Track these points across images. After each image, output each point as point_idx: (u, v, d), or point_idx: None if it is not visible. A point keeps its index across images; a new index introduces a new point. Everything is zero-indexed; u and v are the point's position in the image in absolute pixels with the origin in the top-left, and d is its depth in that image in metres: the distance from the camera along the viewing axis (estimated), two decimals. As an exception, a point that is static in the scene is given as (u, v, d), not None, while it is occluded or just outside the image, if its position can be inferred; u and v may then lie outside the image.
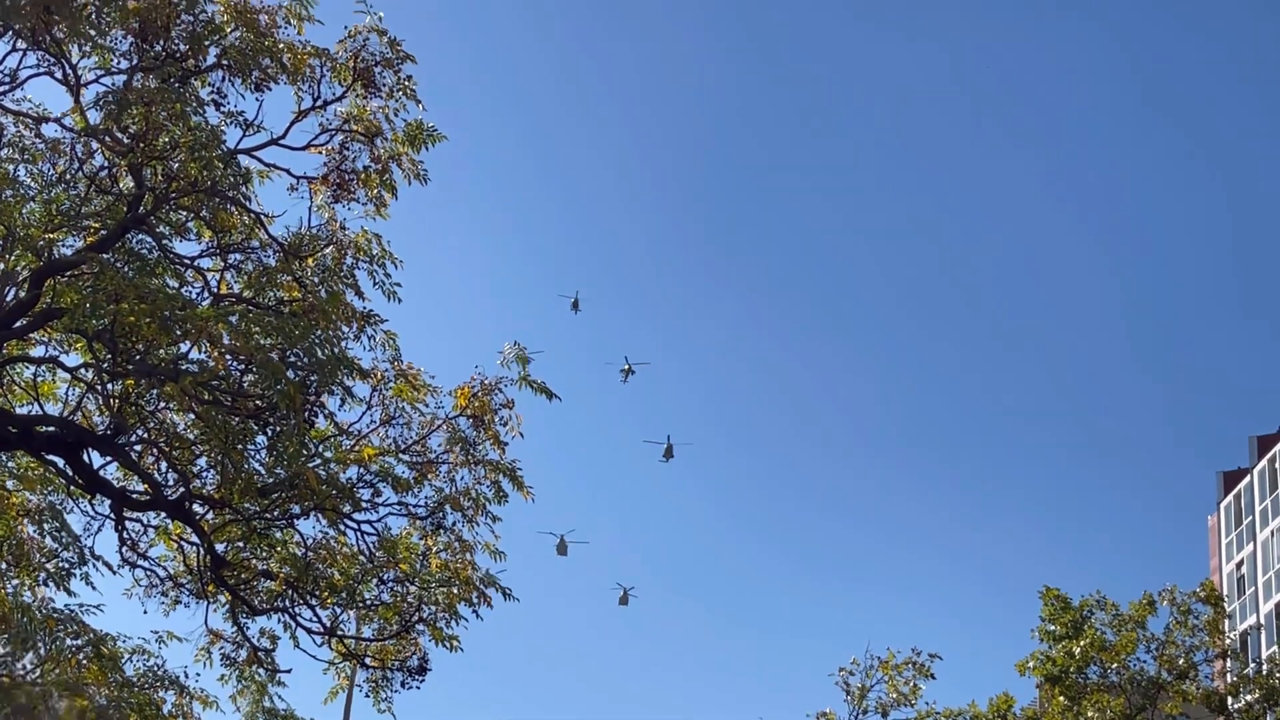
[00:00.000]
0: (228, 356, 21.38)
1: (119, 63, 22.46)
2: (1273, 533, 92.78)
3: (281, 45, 22.91)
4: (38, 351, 24.10)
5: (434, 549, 25.22)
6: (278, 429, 21.80)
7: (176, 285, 23.25)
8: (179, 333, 21.20)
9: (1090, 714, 52.57)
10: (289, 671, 25.31)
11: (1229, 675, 57.96)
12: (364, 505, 24.24)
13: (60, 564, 23.03)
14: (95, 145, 22.92)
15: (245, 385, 21.78)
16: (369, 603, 24.77)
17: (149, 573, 25.41)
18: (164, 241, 23.55)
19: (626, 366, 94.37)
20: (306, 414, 21.69)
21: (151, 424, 23.51)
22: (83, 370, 23.59)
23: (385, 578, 24.70)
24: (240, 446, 22.07)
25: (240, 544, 24.85)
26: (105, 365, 22.26)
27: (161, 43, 22.16)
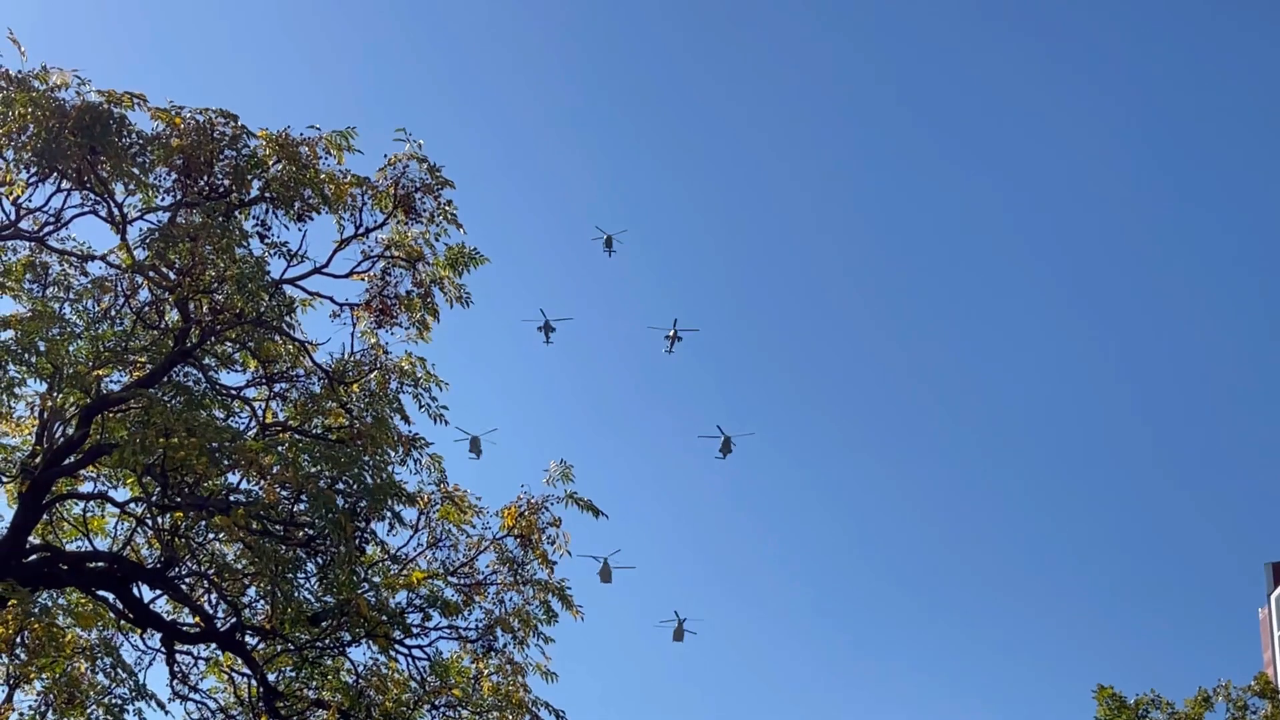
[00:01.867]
0: (277, 486, 21.42)
1: (163, 199, 22.75)
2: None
3: (323, 176, 23.19)
4: (86, 487, 24.21)
5: (485, 672, 25.06)
6: (328, 557, 21.80)
7: (223, 416, 23.37)
8: (227, 464, 21.29)
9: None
10: (344, 802, 24.99)
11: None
12: (414, 630, 24.18)
13: (113, 700, 22.91)
14: (141, 281, 23.15)
15: (295, 514, 21.80)
16: (422, 729, 24.55)
17: (200, 705, 25.28)
18: (210, 373, 23.70)
19: (672, 333, 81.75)
20: (357, 541, 21.69)
21: (201, 556, 23.54)
22: (132, 504, 23.65)
23: (438, 703, 24.52)
24: (290, 575, 22.06)
25: (292, 673, 24.75)
26: (155, 499, 22.31)
27: (205, 178, 22.43)
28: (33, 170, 21.94)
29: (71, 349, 22.41)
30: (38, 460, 22.46)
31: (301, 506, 21.84)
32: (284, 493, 21.73)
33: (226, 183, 22.68)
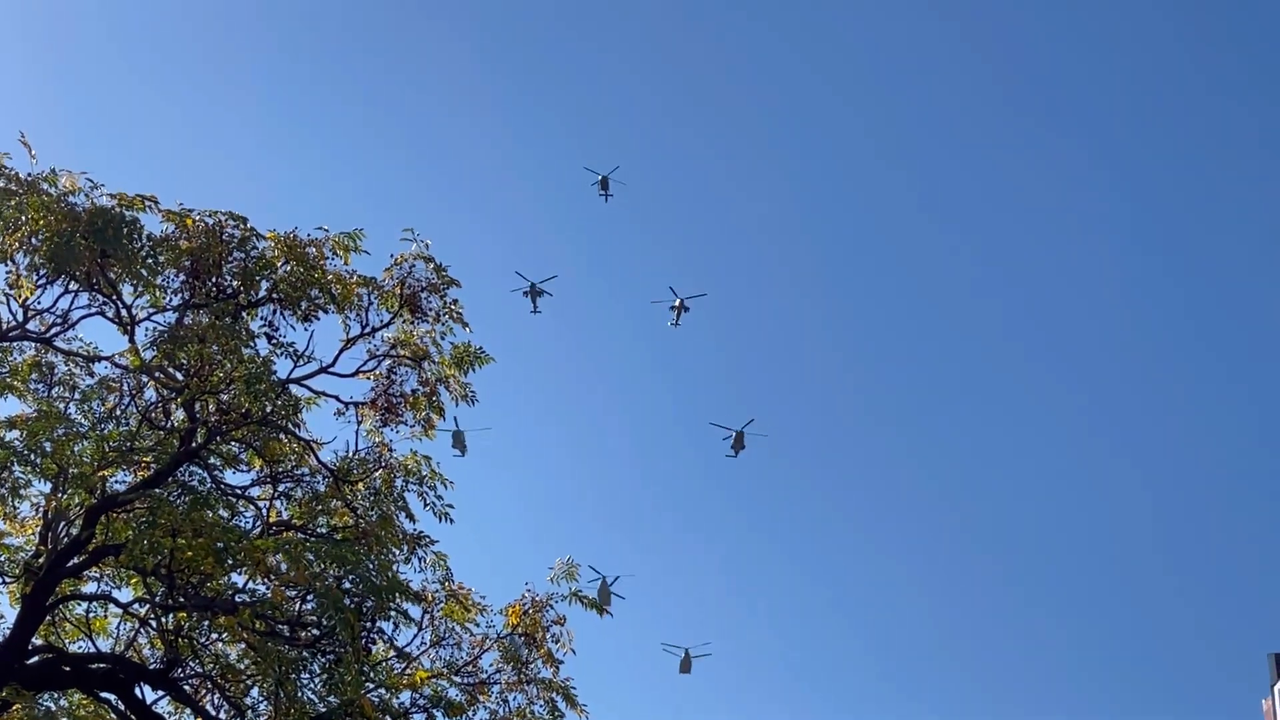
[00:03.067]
0: (283, 585, 21.36)
1: (171, 300, 22.87)
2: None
3: (330, 276, 23.34)
4: (90, 588, 24.09)
5: (490, 774, 24.80)
6: (334, 657, 21.68)
7: (228, 516, 23.32)
8: (231, 563, 21.23)
9: None
10: None
11: None
12: (418, 732, 23.95)
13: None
14: (147, 381, 23.19)
15: (301, 614, 21.71)
16: (426, 833, 24.23)
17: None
18: (215, 473, 23.70)
19: (678, 303, 74.88)
20: (364, 641, 21.59)
21: (205, 656, 23.39)
22: (136, 605, 23.53)
23: (442, 806, 24.21)
24: (294, 676, 21.91)
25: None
26: (159, 599, 22.22)
27: (213, 279, 22.55)
28: (43, 273, 22.05)
29: (77, 449, 22.39)
30: (42, 561, 22.38)
31: (308, 606, 21.75)
32: (290, 592, 21.65)
33: (235, 284, 22.81)
